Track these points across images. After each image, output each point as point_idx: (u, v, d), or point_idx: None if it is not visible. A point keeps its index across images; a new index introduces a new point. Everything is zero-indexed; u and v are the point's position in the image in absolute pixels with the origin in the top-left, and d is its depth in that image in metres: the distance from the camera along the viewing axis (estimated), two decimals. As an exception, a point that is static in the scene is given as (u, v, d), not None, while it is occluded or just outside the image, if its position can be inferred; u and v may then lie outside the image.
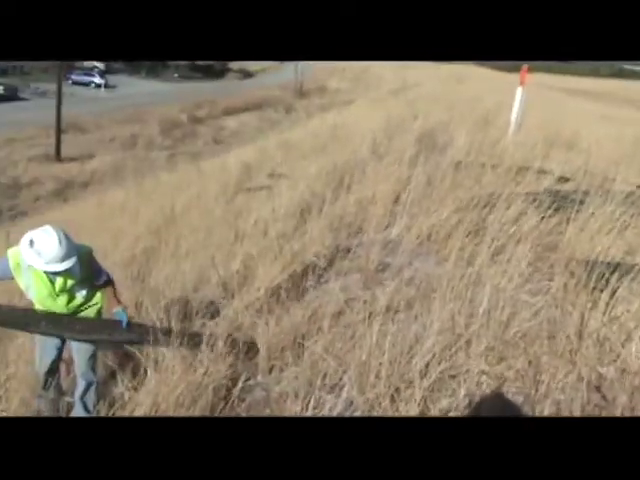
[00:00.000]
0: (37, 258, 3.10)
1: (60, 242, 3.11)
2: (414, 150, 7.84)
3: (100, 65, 59.18)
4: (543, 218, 4.77)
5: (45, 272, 3.23)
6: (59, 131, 27.13)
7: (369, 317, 3.56)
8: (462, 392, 2.80)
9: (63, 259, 3.12)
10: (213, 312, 4.00)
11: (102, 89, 50.22)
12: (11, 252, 3.27)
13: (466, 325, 3.18)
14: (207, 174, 13.01)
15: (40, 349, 3.61)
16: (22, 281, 3.33)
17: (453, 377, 2.92)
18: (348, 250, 5.15)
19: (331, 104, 33.58)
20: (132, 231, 7.63)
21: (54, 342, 3.57)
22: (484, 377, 2.84)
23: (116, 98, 45.36)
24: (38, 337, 3.59)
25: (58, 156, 26.51)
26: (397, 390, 2.84)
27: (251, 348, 3.71)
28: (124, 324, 3.46)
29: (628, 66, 74.81)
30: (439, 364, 2.93)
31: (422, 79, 25.66)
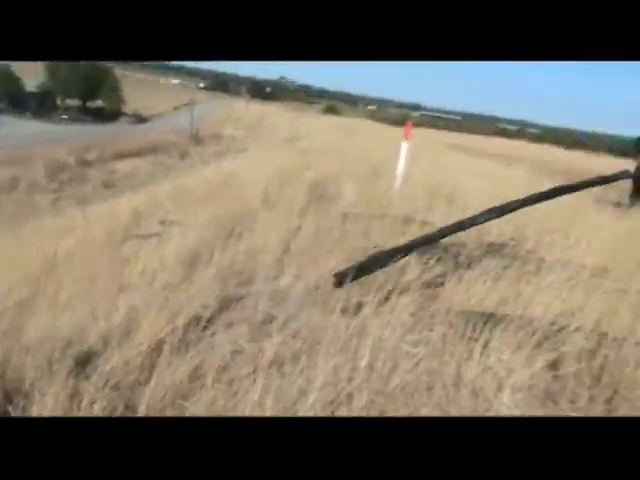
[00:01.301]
0: None
1: None
2: (304, 200, 7.97)
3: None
4: (425, 268, 4.95)
5: None
6: None
7: (254, 371, 3.51)
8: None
9: None
10: (90, 370, 3.78)
11: (-17, 128, 47.82)
12: None
13: (349, 379, 3.20)
14: (94, 219, 12.55)
15: None
16: None
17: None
18: (236, 301, 5.09)
19: (226, 151, 33.64)
20: (6, 280, 7.16)
21: None
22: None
23: (-2, 138, 43.25)
24: None
25: None
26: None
27: (128, 409, 3.53)
28: None
29: (509, 126, 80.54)
30: (322, 421, 2.91)
31: (313, 130, 26.29)
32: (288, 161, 13.52)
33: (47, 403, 3.22)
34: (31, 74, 69.85)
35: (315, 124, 34.33)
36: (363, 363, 3.28)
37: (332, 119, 58.53)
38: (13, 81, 66.80)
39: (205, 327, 4.42)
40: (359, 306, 4.28)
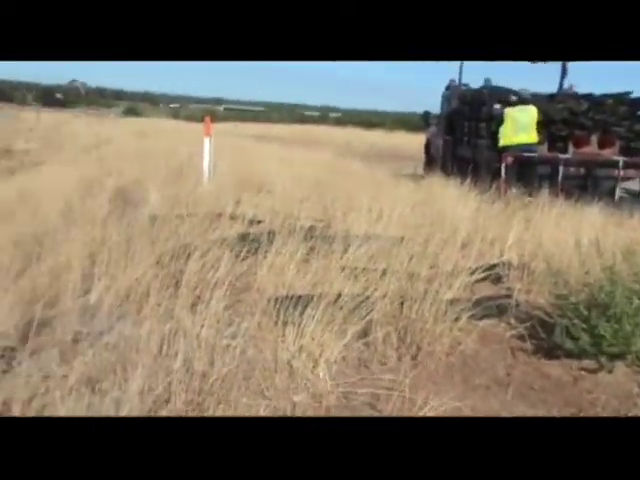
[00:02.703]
0: None
1: None
2: (108, 209, 7.67)
3: None
4: (237, 261, 5.00)
5: None
6: None
7: (68, 393, 3.33)
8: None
9: None
10: None
11: None
12: None
13: (167, 383, 3.16)
14: None
15: None
16: None
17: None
18: (45, 324, 4.78)
19: (19, 167, 31.13)
20: None
21: None
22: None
23: None
24: None
25: None
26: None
27: None
28: None
29: (312, 113, 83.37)
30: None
31: (115, 135, 25.28)
32: (88, 170, 12.86)
33: None
34: None
35: (116, 128, 32.96)
36: (177, 365, 3.25)
37: (133, 121, 56.48)
38: None
39: (11, 358, 4.12)
40: (171, 309, 4.22)
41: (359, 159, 17.41)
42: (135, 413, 2.90)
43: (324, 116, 79.72)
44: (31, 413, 3.29)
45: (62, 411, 3.02)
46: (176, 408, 2.94)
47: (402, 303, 4.22)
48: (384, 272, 4.58)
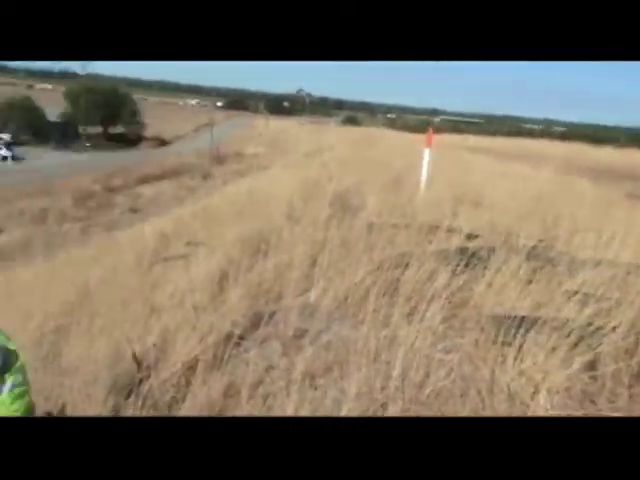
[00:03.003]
0: None
1: None
2: (328, 213, 7.99)
3: (6, 137, 57.78)
4: (453, 275, 4.93)
5: None
6: (-36, 206, 26.09)
7: (288, 385, 3.54)
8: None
9: None
10: (128, 391, 3.85)
11: (9, 161, 48.80)
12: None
13: (382, 388, 3.21)
14: (123, 245, 12.74)
15: None
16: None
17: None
18: (267, 317, 5.13)
19: (248, 169, 33.91)
20: (42, 309, 7.30)
21: None
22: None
23: (24, 170, 44.13)
24: None
25: (-36, 233, 25.38)
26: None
27: (168, 427, 3.59)
28: None
29: (533, 126, 79.77)
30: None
31: (334, 142, 26.36)
32: (311, 175, 13.57)
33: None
34: (51, 104, 71.16)
35: (335, 136, 34.41)
36: (396, 372, 3.28)
37: (352, 130, 58.63)
38: (34, 111, 67.71)
39: (237, 344, 4.47)
40: (388, 316, 4.28)
41: (585, 177, 16.25)
42: (355, 414, 2.99)
43: (546, 129, 75.85)
44: (257, 399, 3.55)
45: (286, 402, 3.21)
46: (392, 414, 2.98)
47: (638, 338, 3.85)
48: (618, 302, 4.22)
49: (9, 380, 3.10)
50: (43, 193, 33.78)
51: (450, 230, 6.64)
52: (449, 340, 3.96)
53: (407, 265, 5.18)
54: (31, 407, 3.14)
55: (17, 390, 3.12)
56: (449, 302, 4.43)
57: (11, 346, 3.12)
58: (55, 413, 3.54)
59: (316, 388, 3.54)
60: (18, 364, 3.13)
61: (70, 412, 3.48)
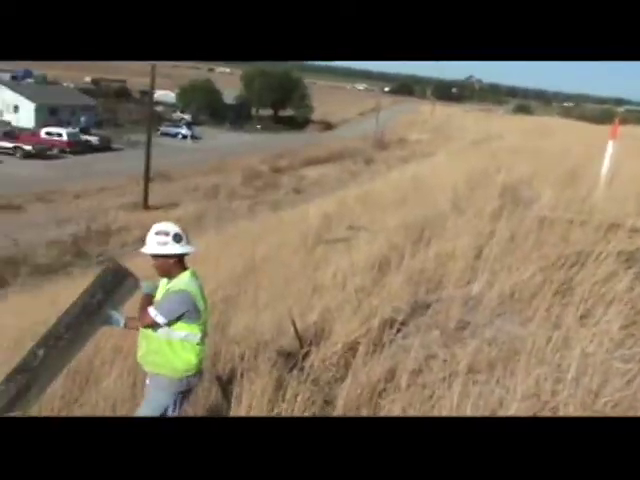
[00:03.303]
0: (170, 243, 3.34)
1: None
2: (497, 204, 7.70)
3: (187, 117, 62.15)
4: (636, 279, 4.54)
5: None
6: (147, 180, 28.37)
7: (449, 377, 3.46)
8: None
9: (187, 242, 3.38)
10: (290, 364, 3.98)
11: (188, 140, 52.48)
12: (190, 291, 3.34)
13: (553, 392, 3.03)
14: (287, 224, 13.23)
15: None
16: (198, 315, 3.37)
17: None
18: (427, 306, 5.06)
19: (411, 156, 33.71)
20: (214, 278, 7.77)
21: None
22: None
23: (201, 149, 47.27)
24: None
25: (145, 204, 27.64)
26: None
27: (328, 403, 3.67)
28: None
29: None
30: (524, 433, 2.78)
31: (504, 131, 25.38)
32: (478, 164, 13.19)
33: (255, 392, 3.44)
34: (228, 86, 75.25)
35: (505, 124, 32.94)
36: (569, 376, 3.08)
37: (524, 118, 56.10)
38: (213, 94, 71.98)
39: (398, 330, 4.45)
40: (561, 317, 4.04)
41: None
42: (522, 414, 2.85)
43: None
44: (417, 387, 3.52)
45: (447, 394, 3.14)
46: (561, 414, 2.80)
47: None
48: None
49: (186, 330, 3.34)
50: (216, 171, 35.97)
51: (634, 230, 6.12)
52: (628, 348, 3.65)
53: (583, 264, 4.85)
54: (193, 366, 3.35)
55: (189, 343, 3.35)
56: (630, 307, 4.08)
57: (200, 304, 3.35)
58: (224, 379, 3.75)
59: (477, 383, 3.43)
60: (200, 322, 3.37)
61: (238, 379, 3.65)
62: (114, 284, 3.40)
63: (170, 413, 3.35)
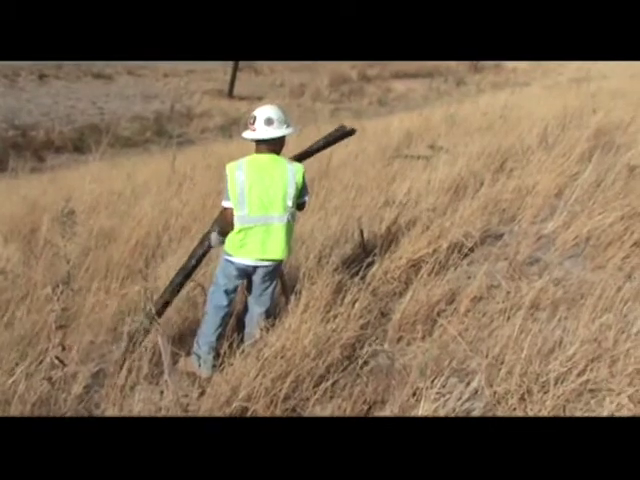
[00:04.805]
0: (262, 126, 3.33)
1: (279, 109, 3.44)
2: (587, 146, 7.37)
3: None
4: None
5: (267, 139, 3.35)
6: (235, 69, 28.21)
7: (510, 309, 3.45)
8: (599, 410, 2.64)
9: (283, 123, 3.37)
10: (352, 271, 4.03)
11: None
12: (228, 166, 3.37)
13: (615, 341, 2.99)
14: (368, 133, 13.02)
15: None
16: (237, 194, 3.32)
17: (592, 391, 2.76)
18: (499, 237, 4.99)
19: (505, 83, 32.23)
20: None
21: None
22: (626, 400, 2.65)
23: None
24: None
25: (230, 93, 27.64)
26: (529, 391, 2.73)
27: (384, 314, 3.73)
28: None
29: None
30: (579, 375, 2.77)
31: (609, 72, 23.83)
32: (573, 102, 12.50)
33: (315, 292, 3.52)
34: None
35: (610, 65, 30.77)
36: (635, 329, 3.03)
37: (631, 63, 52.39)
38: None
39: (465, 256, 4.43)
40: (635, 269, 3.92)
41: None
42: (579, 359, 2.84)
43: None
44: (475, 313, 3.53)
45: (505, 324, 3.15)
46: (623, 371, 2.77)
47: None
48: None
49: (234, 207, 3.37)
50: (305, 69, 35.39)
51: None
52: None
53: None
54: (231, 248, 3.41)
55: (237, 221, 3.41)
56: None
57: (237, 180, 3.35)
58: (286, 276, 3.82)
59: (536, 320, 3.41)
60: (236, 200, 3.35)
61: (300, 278, 3.68)
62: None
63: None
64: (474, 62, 49.92)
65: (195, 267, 3.69)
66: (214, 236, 3.52)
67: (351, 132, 4.23)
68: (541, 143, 8.37)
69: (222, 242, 3.47)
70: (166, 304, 3.55)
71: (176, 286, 3.61)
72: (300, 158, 3.90)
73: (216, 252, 3.84)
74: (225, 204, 3.36)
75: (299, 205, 3.54)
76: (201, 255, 3.67)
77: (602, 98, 13.17)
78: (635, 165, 6.47)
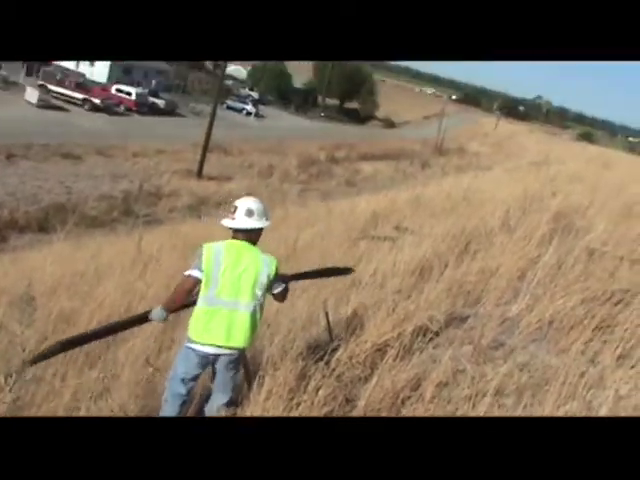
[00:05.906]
0: (242, 216, 3.40)
1: (260, 202, 3.54)
2: (547, 229, 7.55)
3: (254, 95, 62.61)
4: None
5: (242, 229, 3.42)
6: (205, 150, 28.71)
7: (475, 396, 3.42)
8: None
9: (262, 216, 3.48)
10: (317, 356, 3.98)
11: (252, 117, 52.87)
12: (206, 245, 3.39)
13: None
14: (335, 214, 13.21)
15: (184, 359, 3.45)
16: (211, 273, 3.31)
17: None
18: (463, 320, 5.01)
19: (468, 166, 33.33)
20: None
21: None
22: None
23: (263, 128, 47.57)
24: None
25: (200, 173, 27.98)
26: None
27: (349, 401, 3.67)
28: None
29: None
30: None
31: (566, 157, 24.85)
32: (534, 185, 12.94)
33: (278, 378, 3.46)
34: (299, 71, 75.48)
35: (567, 150, 32.12)
36: (601, 414, 3.02)
37: (586, 147, 54.75)
38: (284, 77, 72.27)
39: (430, 339, 4.42)
40: (597, 353, 3.95)
41: None
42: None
43: None
44: (441, 401, 3.49)
45: (470, 413, 3.11)
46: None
47: None
48: None
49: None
50: (273, 152, 36.16)
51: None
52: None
53: (627, 304, 4.74)
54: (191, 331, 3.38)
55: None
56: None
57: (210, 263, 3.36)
58: (249, 359, 3.77)
59: (501, 406, 3.39)
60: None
61: (263, 363, 3.67)
62: None
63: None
64: (438, 145, 51.68)
65: (112, 330, 3.76)
66: (158, 309, 3.47)
67: (347, 271, 5.18)
68: (503, 225, 8.55)
69: (163, 318, 3.44)
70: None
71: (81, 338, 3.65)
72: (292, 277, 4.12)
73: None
74: (191, 272, 3.34)
75: (280, 293, 3.64)
76: (129, 322, 3.72)
77: (561, 182, 13.67)
78: (594, 248, 6.64)
